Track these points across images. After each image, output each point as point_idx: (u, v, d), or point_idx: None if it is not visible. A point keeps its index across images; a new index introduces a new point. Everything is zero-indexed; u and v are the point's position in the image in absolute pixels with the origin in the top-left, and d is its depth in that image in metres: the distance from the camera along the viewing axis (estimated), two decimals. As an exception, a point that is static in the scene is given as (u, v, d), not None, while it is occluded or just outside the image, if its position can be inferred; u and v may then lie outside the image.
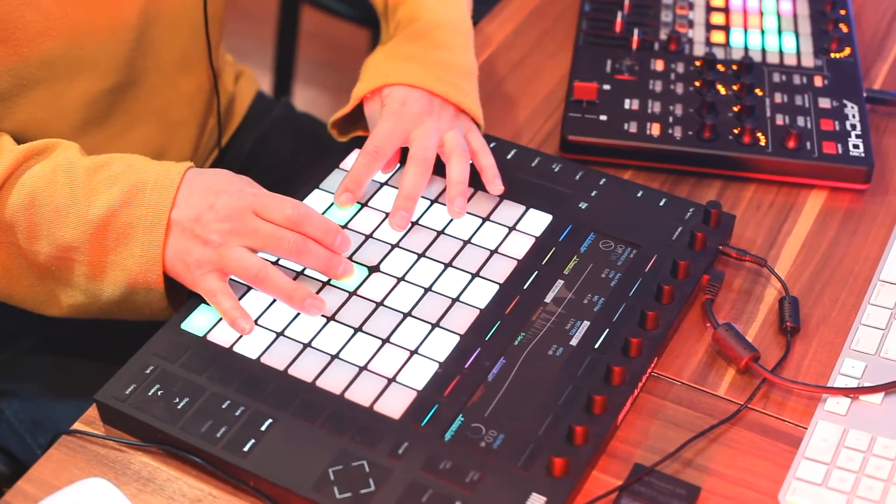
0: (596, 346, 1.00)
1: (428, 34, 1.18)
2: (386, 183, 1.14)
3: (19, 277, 1.05)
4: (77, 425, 0.98)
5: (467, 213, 1.11)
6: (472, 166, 1.14)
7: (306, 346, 0.99)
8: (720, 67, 1.30)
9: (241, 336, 1.00)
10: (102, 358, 1.17)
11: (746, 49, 1.33)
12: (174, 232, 1.02)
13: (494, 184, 1.13)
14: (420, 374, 0.97)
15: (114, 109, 1.17)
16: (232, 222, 1.02)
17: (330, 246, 1.04)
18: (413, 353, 0.99)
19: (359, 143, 1.18)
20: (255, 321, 1.01)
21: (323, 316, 1.02)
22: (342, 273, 1.04)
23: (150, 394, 0.96)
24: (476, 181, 1.13)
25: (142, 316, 1.07)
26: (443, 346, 1.00)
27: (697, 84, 1.28)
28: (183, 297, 1.06)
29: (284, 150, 1.29)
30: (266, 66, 2.45)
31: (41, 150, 1.04)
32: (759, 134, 1.21)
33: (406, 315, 1.02)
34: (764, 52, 1.33)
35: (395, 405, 0.95)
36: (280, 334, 1.00)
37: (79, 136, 1.12)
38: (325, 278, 1.05)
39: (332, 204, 1.12)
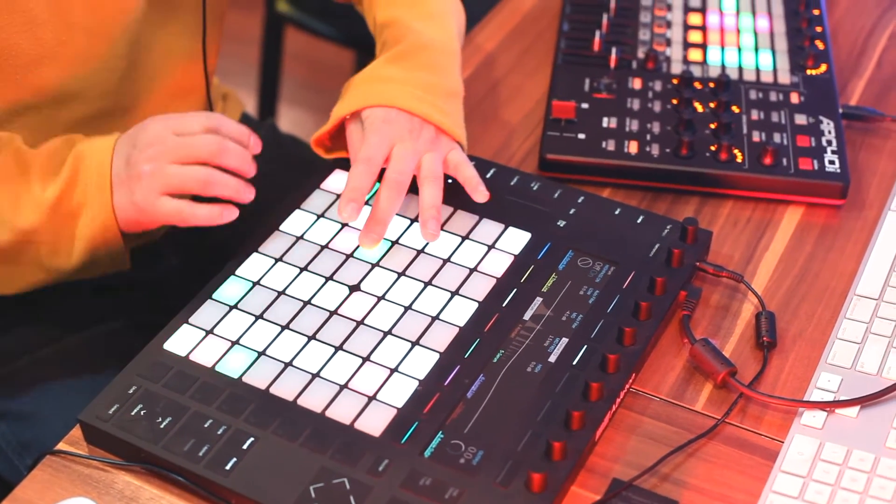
0: (574, 363, 1.01)
1: (411, 55, 1.19)
2: (367, 203, 1.15)
3: None
4: (61, 445, 0.99)
5: (447, 231, 1.13)
6: (450, 186, 1.14)
7: (287, 364, 1.00)
8: (697, 85, 1.31)
9: (222, 356, 1.01)
10: (91, 377, 1.19)
11: (723, 66, 1.35)
12: (116, 186, 1.06)
13: (479, 191, 1.14)
14: (400, 392, 0.98)
15: (102, 133, 1.18)
16: (155, 146, 1.06)
17: (245, 144, 1.09)
18: (393, 371, 1.00)
19: (340, 164, 1.20)
20: (236, 341, 1.02)
21: (304, 335, 1.03)
22: (248, 195, 1.08)
23: (132, 413, 0.97)
24: (460, 197, 1.14)
25: (105, 270, 1.13)
26: (422, 363, 1.01)
27: (674, 102, 1.29)
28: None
29: (268, 172, 1.29)
30: (251, 87, 2.46)
31: None
32: (735, 150, 1.22)
33: (386, 334, 1.03)
34: (741, 69, 1.35)
35: (375, 423, 0.96)
36: (261, 354, 1.01)
37: None
38: (329, 307, 1.06)
39: (313, 224, 1.13)
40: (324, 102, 2.61)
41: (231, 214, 1.07)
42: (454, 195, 1.15)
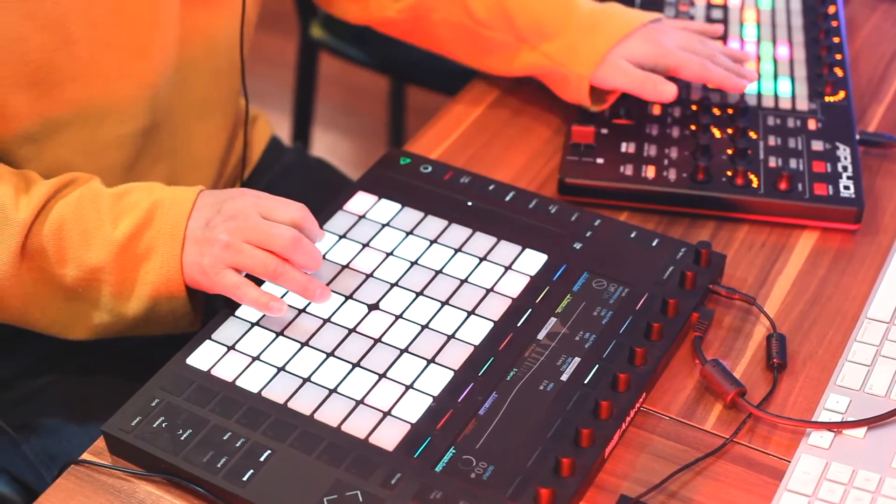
0: (586, 382, 1.04)
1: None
2: (388, 224, 1.18)
3: (48, 302, 1.10)
4: (85, 455, 1.02)
5: (465, 253, 1.15)
6: (470, 208, 1.17)
7: (306, 380, 1.03)
8: (716, 111, 1.34)
9: (242, 371, 1.04)
10: (116, 391, 1.22)
11: (742, 93, 1.37)
12: (189, 241, 1.08)
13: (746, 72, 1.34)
14: (414, 408, 1.01)
15: (142, 151, 1.22)
16: (238, 220, 1.08)
17: (317, 255, 1.10)
18: (408, 387, 1.03)
19: (362, 185, 1.23)
20: (257, 357, 1.05)
21: (323, 352, 1.06)
22: (319, 296, 1.09)
23: (154, 425, 1.00)
24: (480, 218, 1.17)
25: (166, 328, 1.13)
26: (437, 381, 1.03)
27: (693, 128, 1.31)
28: (204, 307, 1.12)
29: (293, 194, 1.33)
30: (286, 110, 2.50)
31: (69, 182, 1.10)
32: (751, 175, 1.24)
33: (403, 351, 1.06)
34: (759, 95, 1.37)
35: (389, 437, 0.99)
36: (281, 369, 1.04)
37: (105, 177, 1.17)
38: (349, 325, 1.09)
39: (335, 244, 1.16)
40: (358, 126, 2.65)
41: (278, 310, 1.07)
42: (474, 217, 1.18)
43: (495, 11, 1.32)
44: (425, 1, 1.35)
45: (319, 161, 1.59)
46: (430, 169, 1.25)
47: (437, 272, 1.14)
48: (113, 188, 1.11)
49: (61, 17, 1.08)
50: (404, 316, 1.09)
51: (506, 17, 1.32)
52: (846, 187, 1.24)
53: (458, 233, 1.17)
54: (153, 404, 1.01)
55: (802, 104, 1.36)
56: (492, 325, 1.09)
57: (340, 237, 1.18)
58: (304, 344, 1.07)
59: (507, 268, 1.14)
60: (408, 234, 1.17)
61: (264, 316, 1.09)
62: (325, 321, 1.09)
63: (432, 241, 1.17)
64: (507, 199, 1.22)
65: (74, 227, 1.07)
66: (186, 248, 1.08)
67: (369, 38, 2.11)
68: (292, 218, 1.10)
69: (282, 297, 1.10)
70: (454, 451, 0.98)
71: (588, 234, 1.18)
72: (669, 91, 1.27)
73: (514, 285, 1.12)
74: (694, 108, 1.34)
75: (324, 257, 1.15)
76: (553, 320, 1.09)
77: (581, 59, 1.29)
